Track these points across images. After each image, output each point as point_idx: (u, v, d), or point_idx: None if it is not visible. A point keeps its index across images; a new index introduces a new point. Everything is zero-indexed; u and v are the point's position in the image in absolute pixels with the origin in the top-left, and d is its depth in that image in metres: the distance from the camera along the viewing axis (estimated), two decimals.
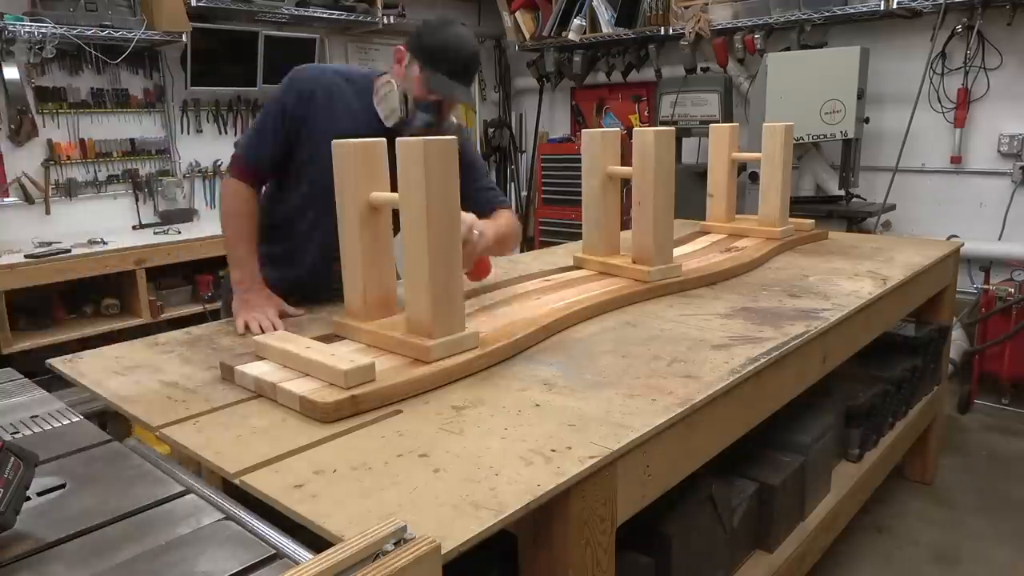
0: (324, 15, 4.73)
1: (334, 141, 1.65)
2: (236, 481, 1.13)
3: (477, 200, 2.11)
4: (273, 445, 1.24)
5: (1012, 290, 3.79)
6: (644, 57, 5.42)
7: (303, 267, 2.11)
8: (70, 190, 4.01)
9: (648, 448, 1.31)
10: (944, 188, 4.49)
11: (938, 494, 3.13)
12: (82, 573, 0.91)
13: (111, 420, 2.75)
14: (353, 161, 1.60)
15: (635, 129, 2.15)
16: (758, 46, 4.64)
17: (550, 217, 5.80)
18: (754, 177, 3.96)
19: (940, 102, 4.35)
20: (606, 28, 5.23)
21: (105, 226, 4.14)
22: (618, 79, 5.62)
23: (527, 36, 5.75)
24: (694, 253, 2.65)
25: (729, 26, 4.73)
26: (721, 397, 1.49)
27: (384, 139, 1.63)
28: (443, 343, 1.53)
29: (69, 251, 3.48)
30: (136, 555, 0.94)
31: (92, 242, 3.65)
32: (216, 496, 1.09)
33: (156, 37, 3.92)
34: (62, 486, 1.11)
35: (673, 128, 2.19)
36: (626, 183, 2.24)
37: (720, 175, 2.97)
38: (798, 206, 3.62)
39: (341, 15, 4.81)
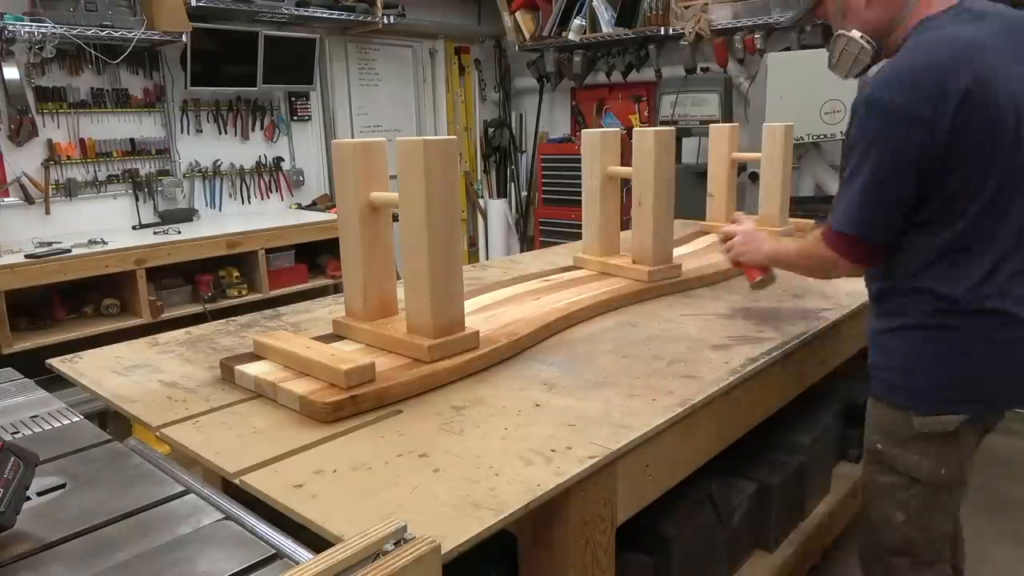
0: (324, 15, 4.72)
1: (334, 141, 1.65)
2: (236, 481, 1.13)
3: None
4: (273, 445, 1.24)
5: None
6: (644, 57, 5.42)
7: None
8: (70, 190, 4.01)
9: (648, 448, 1.31)
10: None
11: None
12: (82, 573, 0.91)
13: (111, 420, 2.75)
14: (353, 161, 1.60)
15: (635, 129, 2.15)
16: (758, 46, 4.64)
17: (550, 217, 5.79)
18: (754, 177, 3.96)
19: None
20: (606, 28, 5.23)
21: (105, 226, 4.14)
22: (618, 79, 5.62)
23: (527, 36, 5.75)
24: (694, 253, 2.65)
25: (729, 26, 4.73)
26: (721, 397, 1.49)
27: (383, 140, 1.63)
28: (443, 343, 1.53)
29: (69, 251, 3.47)
30: (136, 555, 0.94)
31: (92, 242, 3.64)
32: (216, 496, 1.09)
33: (156, 37, 3.92)
34: (62, 486, 1.11)
35: (673, 128, 2.19)
36: (626, 183, 2.24)
37: (720, 175, 2.97)
38: (798, 206, 3.62)
39: (341, 15, 4.80)
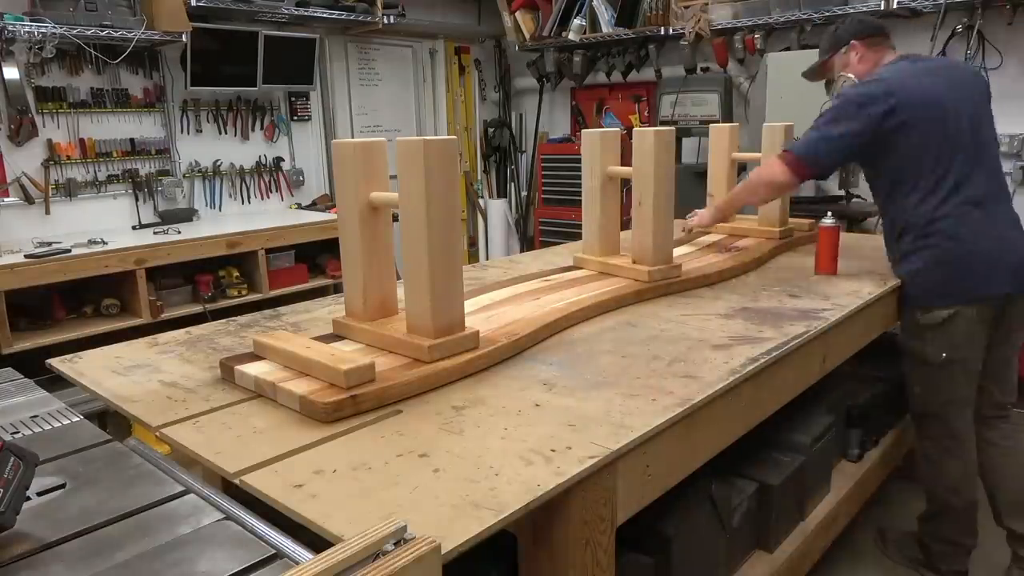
0: (324, 15, 4.72)
1: (334, 141, 1.65)
2: (236, 481, 1.13)
3: None
4: (273, 445, 1.24)
5: None
6: (644, 57, 5.42)
7: None
8: (70, 190, 4.01)
9: (648, 448, 1.31)
10: None
11: None
12: (82, 573, 0.91)
13: (111, 420, 2.75)
14: (353, 161, 1.60)
15: (635, 129, 2.15)
16: (758, 46, 4.64)
17: (550, 217, 5.79)
18: None
19: None
20: (606, 28, 5.23)
21: (105, 226, 4.14)
22: (618, 79, 5.62)
23: (527, 36, 5.75)
24: (694, 253, 2.66)
25: (729, 26, 4.73)
26: (721, 397, 1.49)
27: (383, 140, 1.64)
28: (443, 343, 1.53)
29: (69, 251, 3.47)
30: (136, 555, 0.94)
31: (92, 242, 3.64)
32: (216, 496, 1.09)
33: (156, 37, 3.92)
34: (62, 486, 1.11)
35: (673, 128, 2.19)
36: (626, 183, 2.24)
37: (720, 175, 2.97)
38: (798, 206, 3.62)
39: (341, 15, 4.81)
